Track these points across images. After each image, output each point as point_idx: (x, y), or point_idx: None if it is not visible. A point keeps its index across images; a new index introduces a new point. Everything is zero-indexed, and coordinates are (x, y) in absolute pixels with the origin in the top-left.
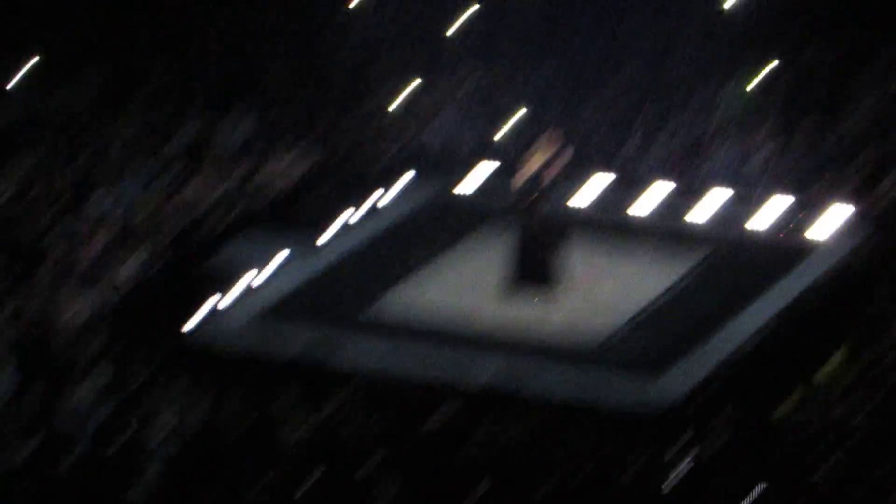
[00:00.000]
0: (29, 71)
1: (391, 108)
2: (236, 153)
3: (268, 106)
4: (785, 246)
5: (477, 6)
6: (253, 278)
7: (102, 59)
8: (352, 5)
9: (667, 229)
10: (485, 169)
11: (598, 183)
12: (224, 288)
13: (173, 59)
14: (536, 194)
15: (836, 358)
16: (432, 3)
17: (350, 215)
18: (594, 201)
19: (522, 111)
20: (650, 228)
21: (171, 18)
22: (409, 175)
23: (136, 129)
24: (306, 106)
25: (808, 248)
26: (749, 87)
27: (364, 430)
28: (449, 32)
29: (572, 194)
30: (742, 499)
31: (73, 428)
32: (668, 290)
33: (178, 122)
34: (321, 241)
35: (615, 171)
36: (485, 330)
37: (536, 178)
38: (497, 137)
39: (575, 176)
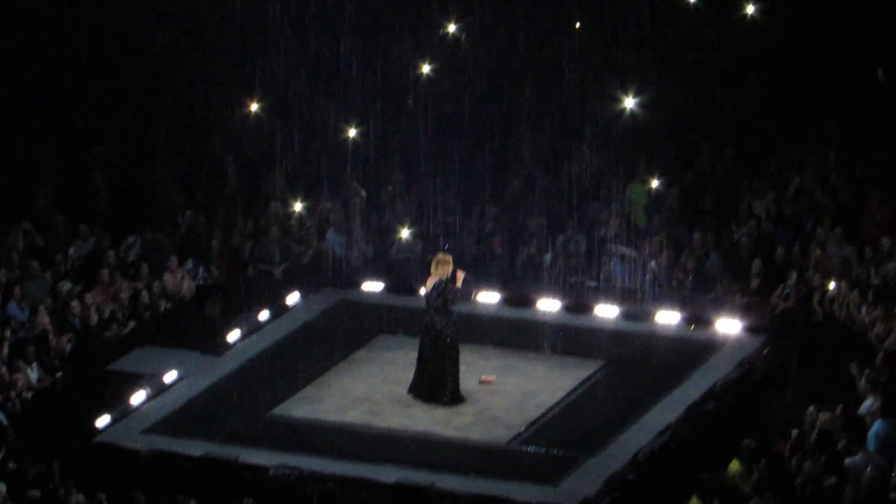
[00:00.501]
0: None
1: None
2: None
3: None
4: (681, 353)
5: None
6: (160, 381)
7: None
8: None
9: (565, 336)
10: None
11: (491, 296)
12: (132, 391)
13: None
14: (437, 302)
15: (738, 459)
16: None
17: (256, 319)
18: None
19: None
20: (554, 332)
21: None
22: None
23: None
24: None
25: (704, 356)
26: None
27: None
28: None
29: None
30: None
31: None
32: (569, 394)
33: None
34: (230, 341)
35: (506, 288)
36: (393, 429)
37: (436, 288)
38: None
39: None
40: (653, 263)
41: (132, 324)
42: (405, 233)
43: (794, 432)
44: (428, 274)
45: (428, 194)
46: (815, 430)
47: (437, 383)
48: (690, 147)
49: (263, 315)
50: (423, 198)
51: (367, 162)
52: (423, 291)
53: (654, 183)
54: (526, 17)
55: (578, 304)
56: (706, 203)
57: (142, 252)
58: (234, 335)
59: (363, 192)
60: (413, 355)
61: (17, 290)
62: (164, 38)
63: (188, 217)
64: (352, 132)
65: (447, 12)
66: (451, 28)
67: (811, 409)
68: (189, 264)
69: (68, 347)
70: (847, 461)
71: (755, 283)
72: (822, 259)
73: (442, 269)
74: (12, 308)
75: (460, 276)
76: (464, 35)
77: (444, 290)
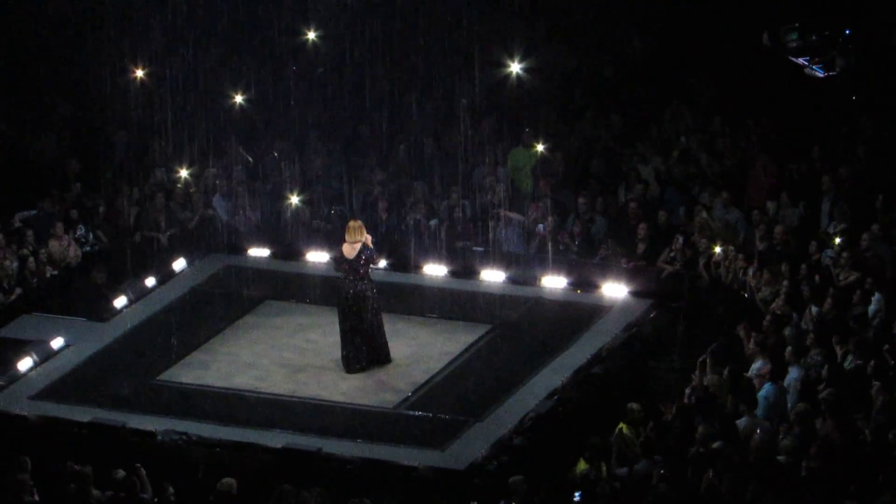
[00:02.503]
0: None
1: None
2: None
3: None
4: (568, 317)
5: None
6: (47, 348)
7: None
8: None
9: (452, 301)
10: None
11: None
12: (19, 358)
13: None
14: (364, 269)
15: (626, 419)
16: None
17: (143, 285)
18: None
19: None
20: (440, 298)
21: None
22: (198, 250)
23: None
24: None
25: (591, 320)
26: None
27: (161, 493)
28: None
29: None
30: None
31: None
32: (456, 358)
33: None
34: (117, 307)
35: (392, 254)
36: (280, 395)
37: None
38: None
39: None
40: (539, 227)
41: (18, 290)
42: (294, 199)
43: (685, 393)
44: (342, 241)
45: (314, 160)
46: (692, 395)
47: (380, 346)
48: (576, 112)
49: (150, 281)
50: (309, 164)
51: (253, 128)
52: (324, 257)
53: (540, 147)
54: None
55: (465, 269)
56: (593, 167)
57: (28, 218)
58: (120, 301)
59: (250, 158)
60: (301, 321)
61: None
62: (52, 6)
63: (75, 186)
64: (238, 98)
65: None
66: None
67: (697, 372)
68: (80, 230)
69: None
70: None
71: (641, 247)
72: (708, 223)
73: (358, 235)
74: None
75: (369, 241)
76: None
77: (368, 257)
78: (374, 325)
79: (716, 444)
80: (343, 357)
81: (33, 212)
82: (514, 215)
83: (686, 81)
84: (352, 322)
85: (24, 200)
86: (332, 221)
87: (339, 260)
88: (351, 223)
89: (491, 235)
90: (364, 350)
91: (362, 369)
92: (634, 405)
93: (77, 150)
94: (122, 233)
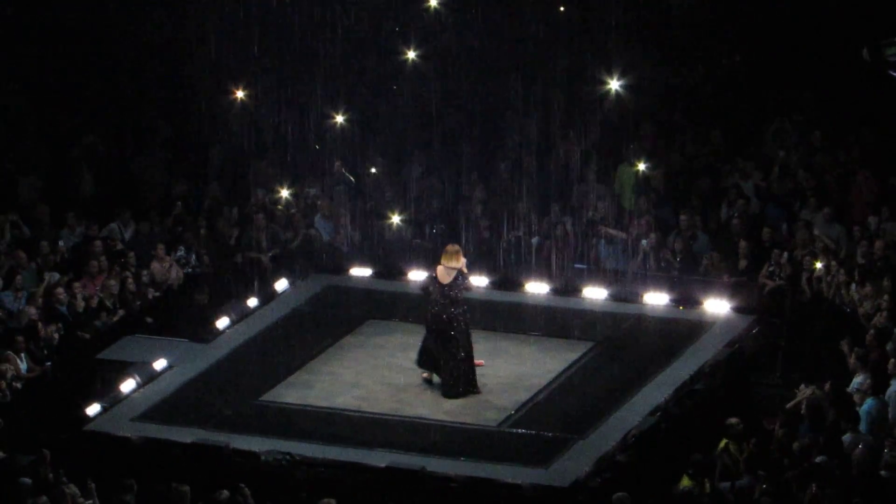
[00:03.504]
0: None
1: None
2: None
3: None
4: (670, 334)
5: None
6: (150, 369)
7: None
8: None
9: (554, 319)
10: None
11: (479, 280)
12: (122, 379)
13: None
14: (457, 294)
15: (727, 434)
16: None
17: (245, 306)
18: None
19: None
20: (542, 315)
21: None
22: (300, 270)
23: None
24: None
25: (693, 336)
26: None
27: None
28: None
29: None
30: None
31: None
32: (559, 376)
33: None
34: (219, 328)
35: (494, 272)
36: (383, 414)
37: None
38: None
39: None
40: (643, 243)
41: (121, 312)
42: (395, 218)
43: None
44: (436, 264)
45: (415, 180)
46: (804, 407)
47: (471, 373)
48: (676, 128)
49: (252, 302)
50: (409, 183)
51: (354, 148)
52: (421, 280)
53: (642, 165)
54: (510, 1)
55: (567, 287)
56: (694, 183)
57: (130, 240)
58: (222, 322)
59: (351, 178)
60: (403, 340)
61: (18, 279)
62: (151, 27)
63: (177, 206)
64: (339, 118)
65: None
66: (433, 1)
67: (801, 386)
68: (181, 251)
69: (56, 337)
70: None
71: (743, 263)
72: (810, 239)
73: (454, 261)
74: (6, 298)
75: (464, 266)
76: (449, 19)
77: (462, 283)
78: (468, 350)
79: (819, 459)
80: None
81: (115, 224)
82: (615, 233)
83: (786, 96)
84: (454, 345)
85: (120, 217)
86: (434, 240)
87: (431, 281)
88: (449, 248)
89: (593, 253)
90: (457, 375)
91: (456, 396)
92: (733, 420)
93: (178, 171)
94: (224, 254)
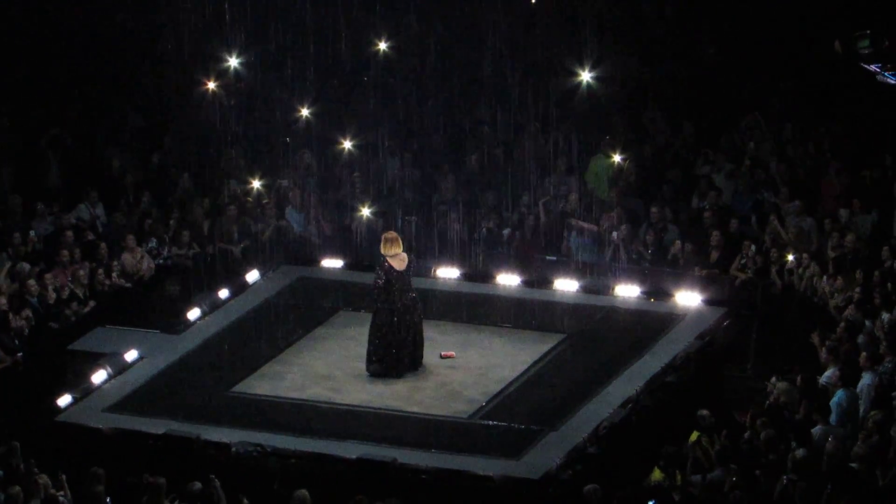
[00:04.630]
0: None
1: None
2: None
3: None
4: (641, 326)
5: None
6: (121, 360)
7: None
8: None
9: (525, 311)
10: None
11: (450, 272)
12: (93, 370)
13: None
14: (400, 281)
15: (698, 427)
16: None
17: (216, 297)
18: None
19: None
20: (513, 307)
21: None
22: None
23: None
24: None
25: (664, 329)
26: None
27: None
28: None
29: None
30: None
31: None
32: (530, 368)
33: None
34: (190, 319)
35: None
36: (354, 405)
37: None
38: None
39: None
40: (613, 235)
41: (92, 303)
42: (366, 210)
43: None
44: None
45: (385, 170)
46: (774, 399)
47: (418, 354)
48: (647, 120)
49: (223, 293)
50: (380, 174)
51: (323, 139)
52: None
53: (617, 157)
54: None
55: (538, 279)
56: (665, 176)
57: (101, 231)
58: (194, 313)
59: (313, 164)
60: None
61: None
62: (121, 18)
63: (145, 196)
64: (304, 111)
65: None
66: None
67: (772, 379)
68: (152, 242)
69: (27, 327)
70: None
71: (714, 255)
72: (781, 231)
73: (397, 247)
74: None
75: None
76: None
77: (415, 267)
78: (421, 333)
79: (798, 452)
80: (376, 364)
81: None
82: (586, 225)
83: (758, 88)
84: (405, 329)
85: (92, 203)
86: (406, 231)
87: (387, 271)
88: (389, 234)
89: (564, 244)
90: (407, 355)
91: (401, 374)
92: (704, 412)
93: (148, 162)
94: (195, 245)
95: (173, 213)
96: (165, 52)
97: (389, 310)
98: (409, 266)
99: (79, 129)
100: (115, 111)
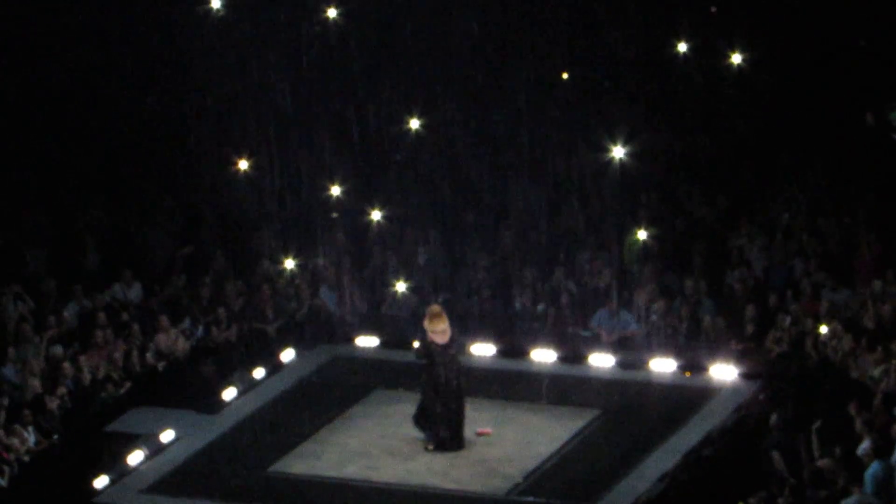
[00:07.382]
0: None
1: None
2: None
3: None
4: (677, 400)
5: None
6: (157, 441)
7: None
8: None
9: (561, 386)
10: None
11: (485, 348)
12: (129, 451)
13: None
14: (437, 356)
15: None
16: None
17: (251, 377)
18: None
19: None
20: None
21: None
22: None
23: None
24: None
25: (700, 403)
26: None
27: None
28: None
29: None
30: None
31: None
32: (566, 443)
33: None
34: (226, 399)
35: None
36: (391, 483)
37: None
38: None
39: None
40: (649, 310)
41: (128, 384)
42: (400, 287)
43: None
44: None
45: (419, 248)
46: (812, 471)
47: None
48: (680, 194)
49: (259, 373)
50: (413, 252)
51: (355, 217)
52: (416, 348)
53: (641, 233)
54: (514, 69)
55: (573, 354)
56: (697, 250)
57: (134, 310)
58: (229, 393)
59: (344, 242)
60: (410, 409)
61: (10, 352)
62: (153, 100)
63: (178, 279)
64: (335, 189)
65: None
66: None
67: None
68: (186, 322)
69: (63, 410)
70: (843, 502)
71: (749, 328)
72: (814, 303)
73: (442, 322)
74: (8, 371)
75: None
76: (450, 87)
77: (457, 341)
78: (463, 409)
79: None
80: (441, 438)
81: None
82: (623, 313)
83: (790, 161)
84: (452, 401)
85: (127, 283)
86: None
87: (429, 345)
88: (434, 309)
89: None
90: (455, 430)
91: (455, 448)
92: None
93: (183, 242)
94: (230, 325)
95: (205, 292)
96: (198, 133)
97: (440, 382)
98: (451, 340)
99: (114, 211)
100: (149, 192)
